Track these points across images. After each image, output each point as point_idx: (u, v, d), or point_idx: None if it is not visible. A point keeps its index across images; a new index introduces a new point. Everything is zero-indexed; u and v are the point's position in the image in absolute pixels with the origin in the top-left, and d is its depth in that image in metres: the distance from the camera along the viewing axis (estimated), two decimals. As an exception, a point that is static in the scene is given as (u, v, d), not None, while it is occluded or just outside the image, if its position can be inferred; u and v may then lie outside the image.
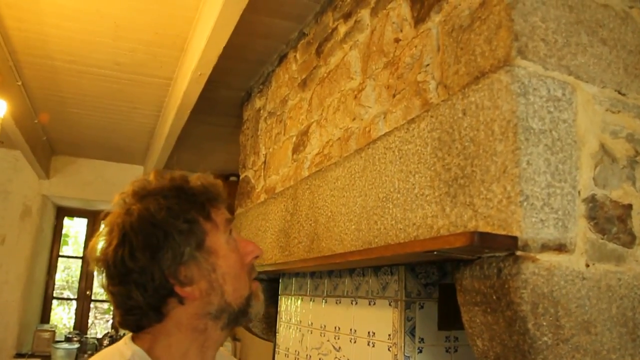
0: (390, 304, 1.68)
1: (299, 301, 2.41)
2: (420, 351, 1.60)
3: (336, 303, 2.04)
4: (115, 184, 5.40)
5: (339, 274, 2.05)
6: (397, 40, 1.68)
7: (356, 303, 1.89)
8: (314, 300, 2.25)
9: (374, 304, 1.77)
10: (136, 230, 0.87)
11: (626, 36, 1.36)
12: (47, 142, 4.82)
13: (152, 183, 0.94)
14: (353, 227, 1.69)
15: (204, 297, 0.91)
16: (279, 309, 2.65)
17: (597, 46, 1.30)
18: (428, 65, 1.49)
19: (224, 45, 2.33)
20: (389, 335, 1.65)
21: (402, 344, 1.59)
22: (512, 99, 1.12)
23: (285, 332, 2.53)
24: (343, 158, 1.87)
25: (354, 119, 1.87)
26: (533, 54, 1.19)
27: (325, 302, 2.14)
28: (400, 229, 1.42)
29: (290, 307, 2.52)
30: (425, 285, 1.66)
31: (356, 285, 1.91)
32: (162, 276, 0.87)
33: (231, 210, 3.30)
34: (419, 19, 1.57)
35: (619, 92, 1.31)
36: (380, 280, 1.76)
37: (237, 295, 0.94)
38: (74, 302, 5.98)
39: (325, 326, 2.10)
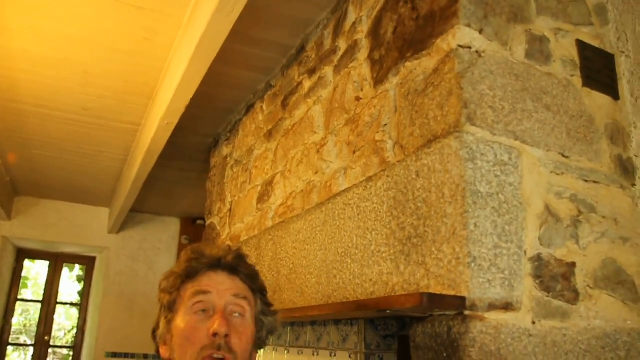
0: (350, 356, 1.70)
1: (261, 350, 2.39)
2: (379, 404, 1.62)
3: (298, 353, 2.04)
4: (79, 226, 5.31)
5: (301, 324, 2.06)
6: (357, 99, 1.75)
7: (317, 354, 1.90)
8: (276, 350, 2.24)
9: (335, 355, 1.79)
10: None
11: (568, 102, 1.46)
12: (10, 183, 4.73)
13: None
14: (314, 280, 1.72)
15: (172, 357, 1.02)
16: (242, 358, 2.62)
17: (541, 112, 1.39)
18: (386, 125, 1.55)
19: (191, 96, 2.38)
20: (349, 388, 1.66)
21: (361, 397, 1.60)
22: (461, 164, 1.19)
23: (248, 382, 2.50)
24: (305, 211, 1.91)
25: (316, 173, 1.93)
26: (481, 120, 1.26)
27: (288, 352, 2.14)
28: (358, 284, 1.45)
29: (253, 356, 2.50)
30: (384, 337, 1.69)
31: (318, 336, 1.92)
32: (154, 334, 1.06)
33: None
34: (378, 80, 1.65)
35: (563, 155, 1.39)
36: (341, 332, 1.78)
37: None
38: (31, 348, 5.76)
39: (287, 377, 2.10)
